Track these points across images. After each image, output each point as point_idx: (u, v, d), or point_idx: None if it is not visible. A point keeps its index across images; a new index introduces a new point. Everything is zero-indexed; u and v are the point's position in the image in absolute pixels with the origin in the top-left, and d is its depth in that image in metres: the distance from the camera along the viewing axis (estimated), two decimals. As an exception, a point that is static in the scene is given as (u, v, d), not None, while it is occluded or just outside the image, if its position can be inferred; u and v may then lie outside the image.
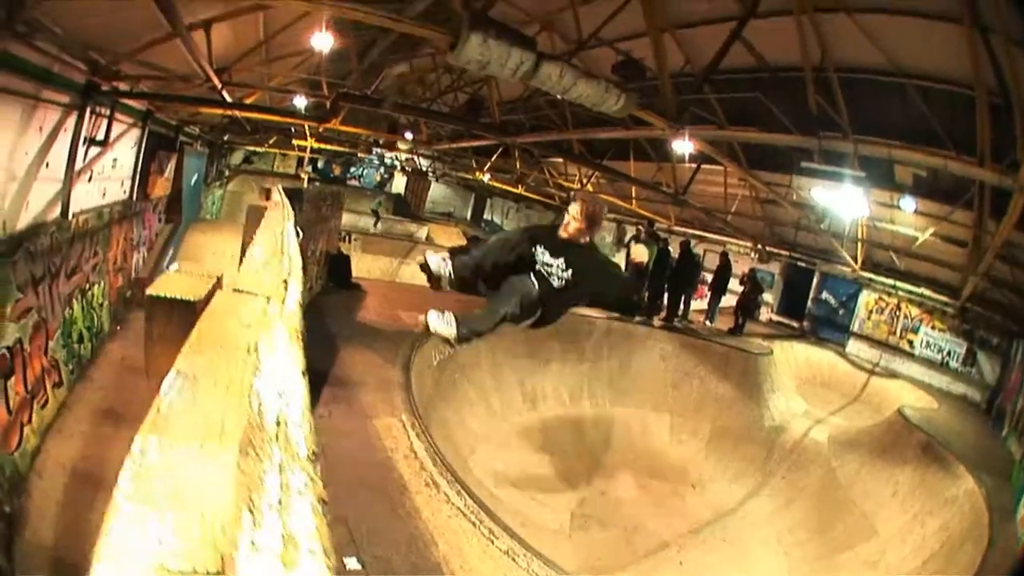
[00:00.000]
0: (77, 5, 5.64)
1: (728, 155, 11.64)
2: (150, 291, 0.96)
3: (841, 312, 17.73)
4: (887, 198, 11.14)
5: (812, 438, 13.20)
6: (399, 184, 38.97)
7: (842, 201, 10.11)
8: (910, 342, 15.96)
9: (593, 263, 4.31)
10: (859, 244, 15.01)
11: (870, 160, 9.26)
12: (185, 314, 1.00)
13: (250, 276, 1.13)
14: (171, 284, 1.05)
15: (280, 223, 2.27)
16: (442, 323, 4.14)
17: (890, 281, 15.48)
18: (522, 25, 10.34)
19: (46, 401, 8.31)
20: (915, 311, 15.95)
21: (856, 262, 15.38)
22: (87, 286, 10.94)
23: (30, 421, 7.54)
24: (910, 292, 15.37)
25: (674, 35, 9.84)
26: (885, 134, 8.62)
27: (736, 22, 8.01)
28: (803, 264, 17.93)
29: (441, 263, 4.20)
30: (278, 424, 0.56)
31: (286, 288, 1.04)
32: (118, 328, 13.11)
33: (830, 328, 17.86)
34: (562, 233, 4.19)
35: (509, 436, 11.83)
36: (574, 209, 4.14)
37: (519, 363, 12.63)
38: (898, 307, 16.32)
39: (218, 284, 1.20)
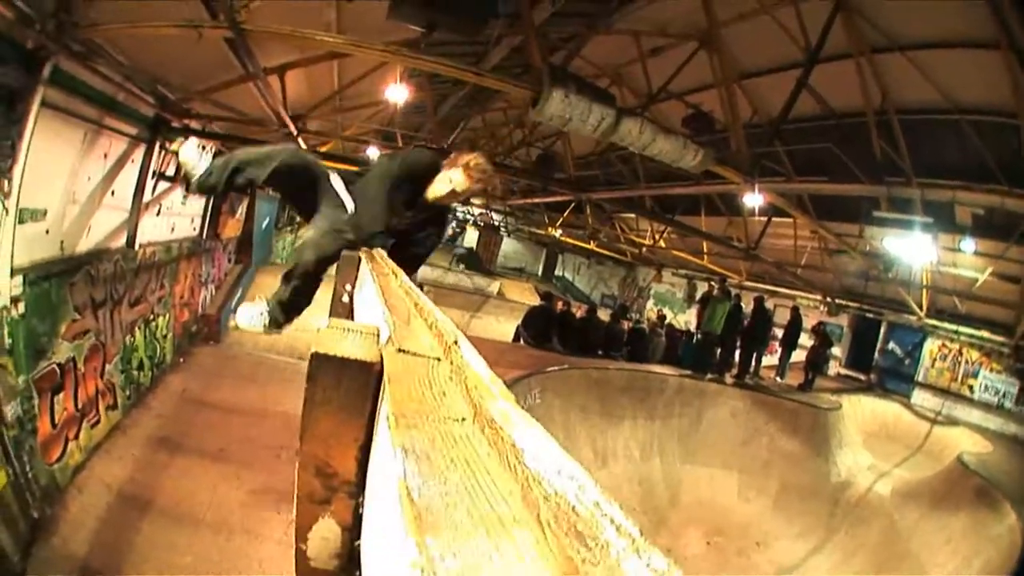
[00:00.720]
0: (143, 36, 5.86)
1: (798, 206, 11.30)
2: (316, 348, 0.86)
3: (907, 362, 17.25)
4: (950, 241, 10.72)
5: (876, 492, 12.85)
6: (471, 238, 39.52)
7: (911, 248, 9.77)
8: (970, 387, 15.54)
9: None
10: (923, 291, 14.51)
11: (932, 203, 8.90)
12: (359, 377, 0.92)
13: (403, 335, 1.05)
14: (335, 342, 0.95)
15: (395, 276, 2.16)
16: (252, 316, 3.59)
17: (952, 326, 15.09)
18: (593, 79, 10.37)
19: (97, 421, 8.52)
20: (975, 355, 15.54)
21: (921, 309, 14.82)
22: (151, 316, 11.31)
23: (76, 437, 7.72)
24: (970, 336, 15.00)
25: (740, 86, 9.68)
26: (944, 174, 8.41)
27: (801, 69, 7.82)
28: (871, 315, 17.38)
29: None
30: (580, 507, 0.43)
31: (458, 348, 0.98)
32: (181, 360, 13.51)
33: (896, 379, 17.33)
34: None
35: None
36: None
37: (592, 420, 12.50)
38: (960, 352, 15.91)
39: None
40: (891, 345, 17.63)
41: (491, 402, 0.70)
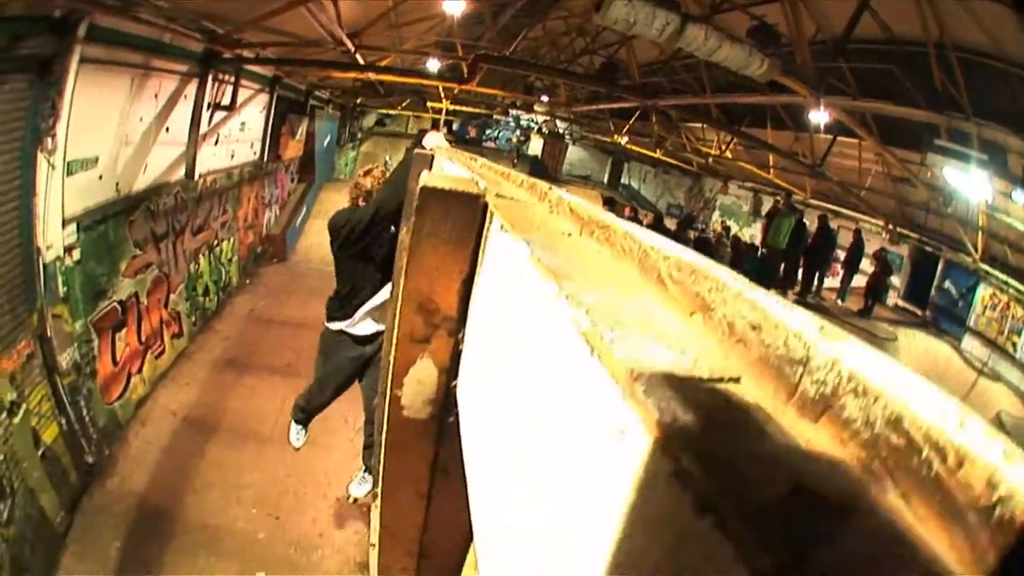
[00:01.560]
0: None
1: (862, 126, 10.76)
2: (424, 183, 0.88)
3: (960, 304, 16.30)
4: (1004, 187, 10.05)
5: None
6: (536, 146, 38.85)
7: (968, 182, 9.39)
8: (1013, 344, 14.51)
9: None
10: (979, 233, 13.62)
11: (987, 142, 8.53)
12: (466, 210, 0.94)
13: (498, 186, 1.10)
14: (443, 181, 0.97)
15: (474, 160, 2.20)
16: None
17: (1004, 276, 14.06)
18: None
19: (162, 351, 8.95)
20: (1020, 311, 14.47)
21: (976, 252, 14.00)
22: (215, 242, 11.67)
23: (140, 371, 8.14)
24: (1018, 291, 13.92)
25: (803, 2, 9.12)
26: (995, 119, 8.01)
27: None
28: (930, 249, 16.53)
29: None
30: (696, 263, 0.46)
31: (553, 191, 0.98)
32: (247, 281, 14.01)
33: (949, 319, 16.51)
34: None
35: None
36: None
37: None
38: (1007, 306, 14.81)
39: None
40: (947, 284, 16.71)
41: (597, 215, 0.71)
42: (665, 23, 5.89)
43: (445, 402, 1.07)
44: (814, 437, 0.25)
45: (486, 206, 0.94)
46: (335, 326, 4.36)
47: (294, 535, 6.69)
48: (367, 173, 4.29)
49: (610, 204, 16.77)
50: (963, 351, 15.51)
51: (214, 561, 6.16)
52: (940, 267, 16.69)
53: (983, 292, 15.45)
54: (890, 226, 16.32)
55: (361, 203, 4.16)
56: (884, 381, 0.27)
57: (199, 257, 10.82)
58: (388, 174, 4.16)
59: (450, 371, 1.04)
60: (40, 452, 5.62)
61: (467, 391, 0.94)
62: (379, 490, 1.64)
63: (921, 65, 8.17)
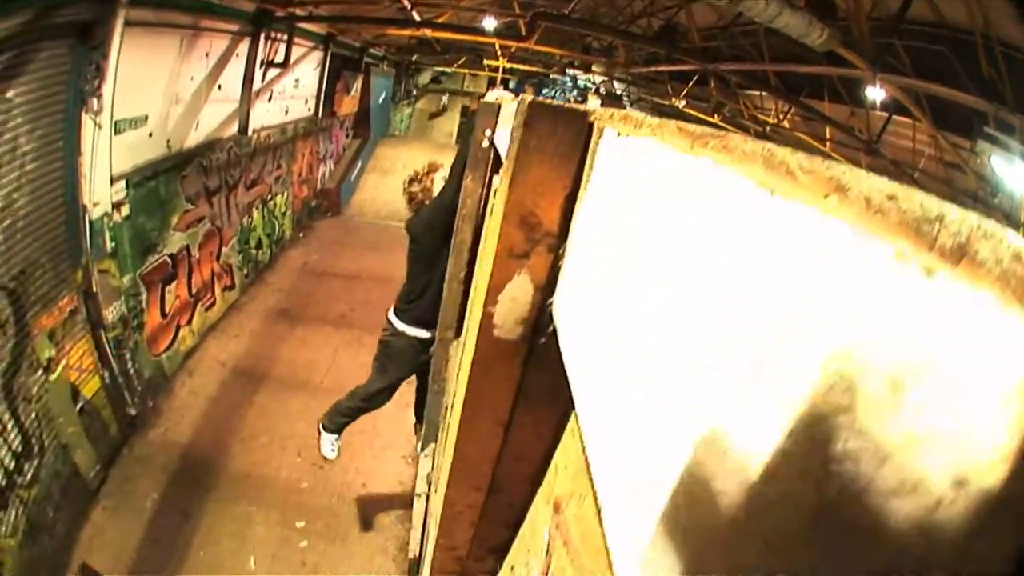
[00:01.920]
0: None
1: (917, 106, 10.36)
2: (533, 98, 1.00)
3: None
4: None
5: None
6: (593, 106, 38.29)
7: (1014, 173, 9.14)
8: None
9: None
10: (1020, 230, 12.91)
11: None
12: (574, 125, 0.99)
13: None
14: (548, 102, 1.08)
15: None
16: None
17: None
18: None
19: (212, 303, 9.30)
20: None
21: None
22: (269, 196, 11.96)
23: (189, 323, 8.48)
24: None
25: None
26: None
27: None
28: None
29: None
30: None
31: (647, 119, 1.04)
32: (300, 235, 14.35)
33: None
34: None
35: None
36: None
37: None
38: None
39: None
40: None
41: (706, 129, 0.70)
42: None
43: (537, 322, 1.09)
44: (956, 275, 0.30)
45: (592, 124, 0.97)
46: (412, 331, 4.25)
47: (337, 485, 6.79)
48: (414, 180, 4.23)
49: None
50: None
51: (254, 510, 6.31)
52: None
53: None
54: None
55: (425, 203, 4.13)
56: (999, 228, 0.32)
57: (252, 211, 11.11)
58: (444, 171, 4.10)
59: (545, 289, 1.05)
60: (78, 407, 5.84)
61: (569, 307, 0.95)
62: (450, 423, 1.69)
63: (970, 53, 8.02)
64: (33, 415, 5.12)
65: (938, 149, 13.14)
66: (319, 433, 4.97)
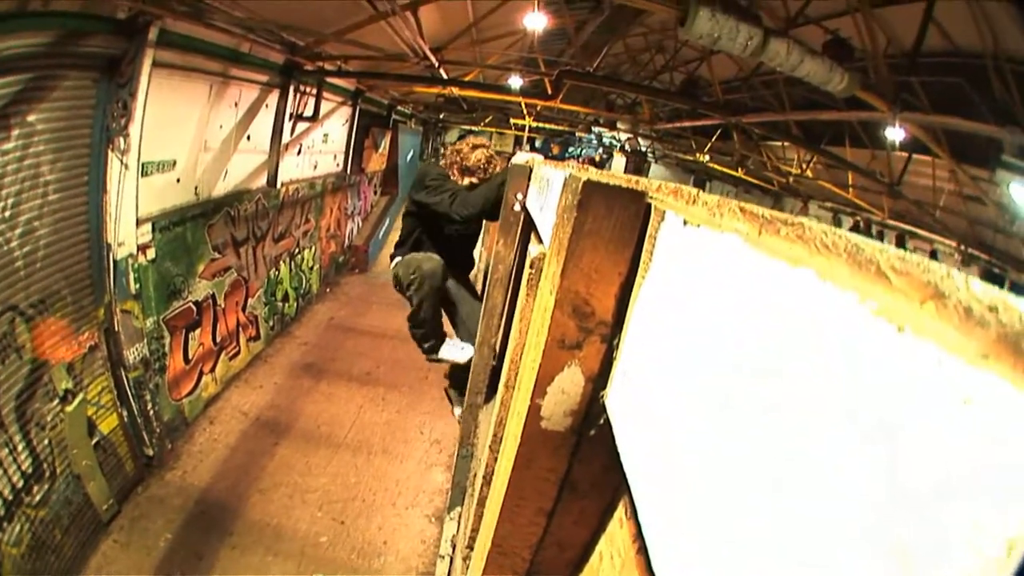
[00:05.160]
0: None
1: (936, 143, 10.27)
2: (586, 177, 0.88)
3: None
4: None
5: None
6: (618, 165, 38.63)
7: None
8: None
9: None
10: None
11: None
12: (631, 206, 0.94)
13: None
14: (601, 177, 0.98)
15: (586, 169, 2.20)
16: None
17: None
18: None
19: (237, 352, 9.19)
20: None
21: None
22: (297, 250, 11.99)
23: (212, 370, 8.37)
24: None
25: (874, 14, 8.87)
26: None
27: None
28: (997, 271, 15.65)
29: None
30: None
31: (701, 194, 0.95)
32: (327, 290, 14.34)
33: None
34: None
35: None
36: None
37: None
38: None
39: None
40: None
41: (775, 214, 0.66)
42: (748, 37, 5.84)
43: (587, 413, 1.04)
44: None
45: (650, 205, 0.91)
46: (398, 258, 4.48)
47: (358, 541, 6.64)
48: (475, 147, 4.26)
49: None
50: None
51: (270, 560, 6.16)
52: (1006, 289, 16.27)
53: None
54: (962, 247, 15.75)
55: (455, 173, 4.21)
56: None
57: (280, 263, 11.12)
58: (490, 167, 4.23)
59: (598, 380, 1.00)
60: (94, 441, 5.79)
61: (625, 398, 0.89)
62: (488, 505, 1.65)
63: (984, 78, 7.99)
64: (46, 441, 5.12)
65: (957, 183, 13.14)
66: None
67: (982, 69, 8.02)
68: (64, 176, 4.78)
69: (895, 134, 9.36)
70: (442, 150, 26.46)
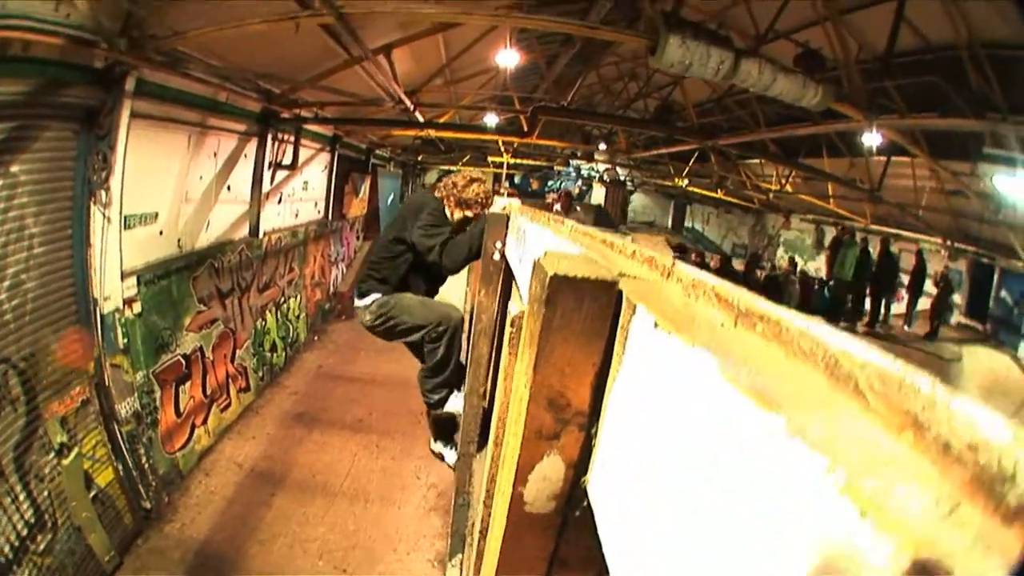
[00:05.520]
0: (235, 37, 5.87)
1: (914, 144, 10.43)
2: (553, 271, 0.83)
3: (1015, 311, 15.88)
4: None
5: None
6: (598, 195, 39.00)
7: (1016, 187, 9.21)
8: None
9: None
10: None
11: None
12: (601, 298, 0.92)
13: (612, 262, 1.11)
14: (570, 265, 0.93)
15: (562, 223, 2.17)
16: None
17: None
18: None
19: (228, 404, 9.05)
20: None
21: None
22: (282, 299, 11.90)
23: (204, 423, 8.23)
24: None
25: (844, 21, 9.03)
26: None
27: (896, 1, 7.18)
28: (985, 260, 15.92)
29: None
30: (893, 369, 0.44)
31: (678, 269, 0.94)
32: (315, 338, 14.21)
33: (1007, 330, 16.04)
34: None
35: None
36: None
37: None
38: None
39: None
40: (1003, 293, 16.34)
41: (753, 304, 0.65)
42: (720, 61, 5.86)
43: (571, 495, 1.04)
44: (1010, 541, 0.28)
45: (620, 293, 0.91)
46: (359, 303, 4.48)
47: None
48: (472, 181, 4.26)
49: (681, 251, 16.65)
50: (1020, 359, 15.21)
51: None
52: (996, 277, 16.55)
53: (1038, 294, 15.23)
54: (948, 242, 16.15)
55: (451, 205, 4.17)
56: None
57: (266, 313, 11.02)
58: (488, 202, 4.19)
59: (579, 465, 1.00)
60: (92, 494, 5.70)
61: (605, 486, 0.90)
62: (485, 568, 1.61)
63: (958, 71, 8.02)
64: (46, 493, 5.07)
65: (939, 180, 13.29)
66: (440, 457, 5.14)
67: (957, 61, 8.06)
68: (48, 229, 4.74)
69: (872, 139, 9.42)
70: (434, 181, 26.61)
